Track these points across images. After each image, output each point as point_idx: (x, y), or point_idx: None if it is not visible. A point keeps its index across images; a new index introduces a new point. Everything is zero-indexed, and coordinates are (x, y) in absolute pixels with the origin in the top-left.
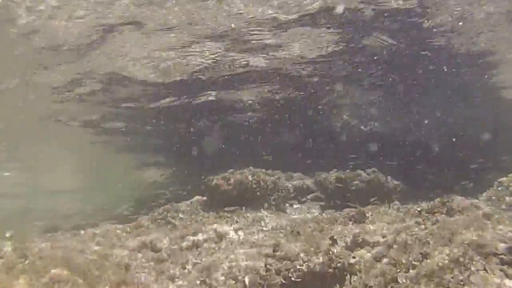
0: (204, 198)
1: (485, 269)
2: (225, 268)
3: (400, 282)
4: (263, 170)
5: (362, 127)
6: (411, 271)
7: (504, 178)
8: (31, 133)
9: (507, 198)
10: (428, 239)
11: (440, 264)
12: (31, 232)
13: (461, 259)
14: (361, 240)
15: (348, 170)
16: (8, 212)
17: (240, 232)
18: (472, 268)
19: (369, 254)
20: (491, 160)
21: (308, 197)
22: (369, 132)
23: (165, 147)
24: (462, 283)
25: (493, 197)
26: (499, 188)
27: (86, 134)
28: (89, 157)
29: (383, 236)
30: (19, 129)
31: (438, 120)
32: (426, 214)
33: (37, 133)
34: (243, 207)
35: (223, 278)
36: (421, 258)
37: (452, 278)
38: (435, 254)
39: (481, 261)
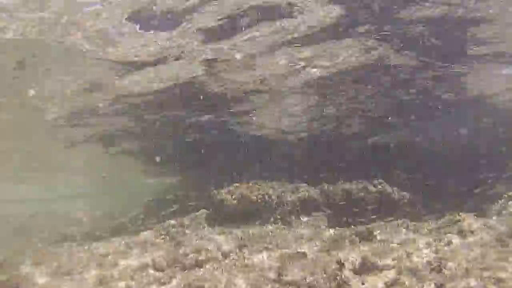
0: (209, 211)
1: None
2: None
3: None
4: (268, 182)
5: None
6: None
7: None
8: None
9: None
10: (442, 265)
11: None
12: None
13: None
14: (369, 264)
15: (354, 181)
16: (15, 219)
17: (244, 250)
18: None
19: (379, 281)
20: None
21: (315, 210)
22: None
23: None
24: None
25: (503, 212)
26: (509, 203)
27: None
28: (102, 162)
29: (393, 259)
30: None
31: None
32: (437, 234)
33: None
34: (248, 222)
35: None
36: None
37: None
38: (452, 285)
39: None
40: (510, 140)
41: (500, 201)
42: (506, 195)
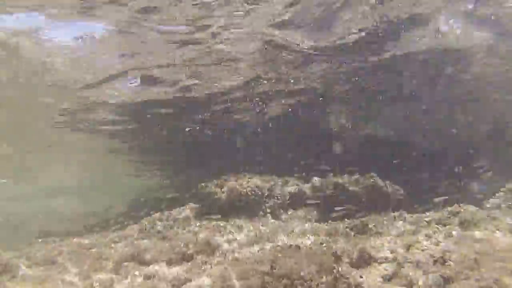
0: (197, 205)
1: None
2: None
3: None
4: (258, 175)
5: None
6: None
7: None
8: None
9: None
10: (445, 257)
11: None
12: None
13: (494, 287)
14: (367, 256)
15: (346, 175)
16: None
17: (234, 244)
18: None
19: (377, 273)
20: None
21: (305, 204)
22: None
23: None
24: None
25: (502, 205)
26: (509, 195)
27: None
28: (87, 157)
29: (392, 251)
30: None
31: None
32: (437, 226)
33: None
34: (238, 216)
35: None
36: (442, 283)
37: None
38: (460, 278)
39: None
40: None
41: (498, 194)
42: (505, 189)
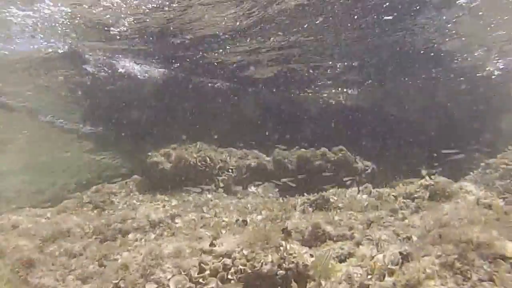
0: (142, 177)
1: (491, 279)
2: (147, 267)
3: None
4: (213, 146)
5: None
6: (387, 278)
7: (493, 160)
8: None
9: (497, 182)
10: (409, 234)
11: (428, 270)
12: None
13: (457, 263)
14: (321, 232)
15: (312, 148)
16: None
17: (177, 220)
18: (474, 277)
19: (331, 252)
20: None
21: (265, 179)
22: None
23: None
24: None
25: (479, 180)
26: (487, 171)
27: None
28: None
29: (350, 228)
30: None
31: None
32: (404, 200)
33: None
34: (185, 189)
35: (142, 280)
36: (400, 261)
37: None
38: (420, 255)
39: (485, 266)
40: None
41: (475, 171)
42: (483, 164)
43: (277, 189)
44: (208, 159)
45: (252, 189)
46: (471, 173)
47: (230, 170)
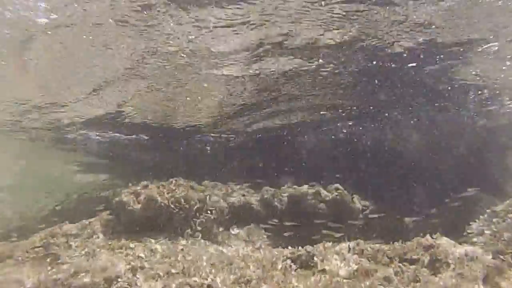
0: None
1: None
2: None
3: None
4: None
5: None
6: None
7: (499, 207)
8: None
9: (505, 235)
10: None
11: None
12: None
13: None
14: None
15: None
16: None
17: (138, 275)
18: None
19: None
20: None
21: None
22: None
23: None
24: None
25: (486, 231)
26: (493, 220)
27: None
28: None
29: None
30: None
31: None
32: (400, 265)
33: None
34: (156, 234)
35: None
36: None
37: None
38: None
39: None
40: None
41: (481, 217)
42: (489, 211)
43: (263, 233)
44: (182, 200)
45: (235, 231)
46: (476, 220)
47: (209, 211)
